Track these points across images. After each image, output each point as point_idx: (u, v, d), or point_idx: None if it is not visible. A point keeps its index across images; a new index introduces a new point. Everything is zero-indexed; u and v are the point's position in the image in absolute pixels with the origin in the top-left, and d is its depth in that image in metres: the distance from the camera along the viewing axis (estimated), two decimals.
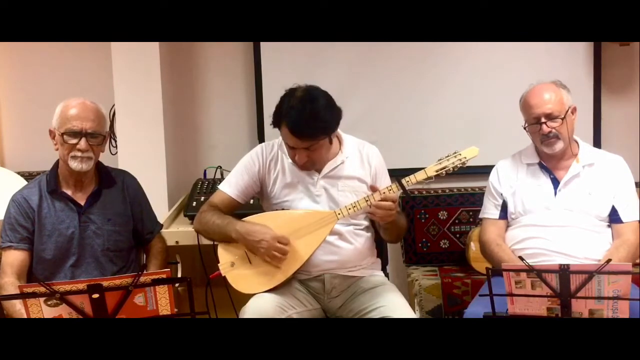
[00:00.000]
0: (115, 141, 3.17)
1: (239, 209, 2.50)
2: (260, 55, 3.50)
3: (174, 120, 3.41)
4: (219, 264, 2.37)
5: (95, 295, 1.84)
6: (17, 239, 2.40)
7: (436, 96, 3.52)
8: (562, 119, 2.42)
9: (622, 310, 1.93)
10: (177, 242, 2.84)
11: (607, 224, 2.47)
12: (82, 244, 2.42)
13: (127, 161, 3.08)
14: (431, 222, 3.38)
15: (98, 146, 2.40)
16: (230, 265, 2.36)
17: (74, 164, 2.36)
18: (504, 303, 2.00)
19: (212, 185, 3.16)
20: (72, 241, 2.41)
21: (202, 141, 3.63)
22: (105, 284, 1.86)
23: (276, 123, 2.32)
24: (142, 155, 3.17)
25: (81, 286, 1.85)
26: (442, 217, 3.38)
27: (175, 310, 1.96)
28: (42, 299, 1.85)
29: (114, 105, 3.16)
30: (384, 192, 2.27)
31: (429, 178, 2.30)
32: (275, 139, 2.51)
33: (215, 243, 2.46)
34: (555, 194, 2.49)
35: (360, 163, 2.47)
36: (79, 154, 2.35)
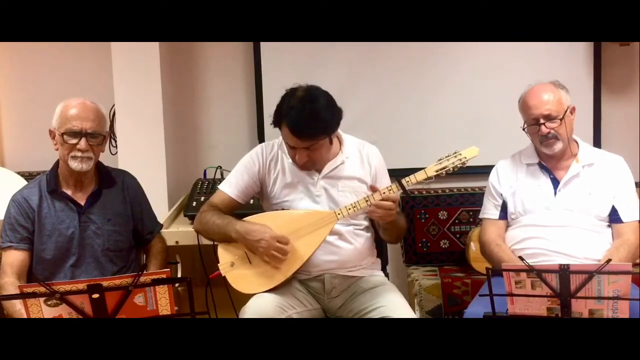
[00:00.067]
0: (115, 141, 3.17)
1: (239, 209, 2.50)
2: (260, 55, 3.50)
3: (174, 120, 3.41)
4: (219, 264, 2.37)
5: (95, 295, 1.85)
6: (17, 239, 2.40)
7: (436, 96, 3.52)
8: (561, 119, 2.42)
9: (622, 310, 1.93)
10: (177, 242, 2.84)
11: (607, 224, 2.47)
12: (82, 244, 2.42)
13: (127, 161, 3.08)
14: (431, 222, 3.38)
15: (98, 146, 2.40)
16: (230, 265, 2.36)
17: (74, 164, 2.36)
18: (504, 303, 2.00)
19: (212, 185, 3.16)
20: (72, 241, 2.41)
21: (202, 141, 3.63)
22: (105, 284, 1.86)
23: (277, 123, 2.32)
24: (142, 155, 3.17)
25: (81, 286, 1.85)
26: (442, 217, 3.38)
27: (176, 308, 1.96)
28: (42, 299, 1.85)
29: (114, 105, 3.16)
30: (384, 193, 2.27)
31: (429, 178, 2.30)
32: (275, 139, 2.51)
33: (215, 243, 2.46)
34: (555, 194, 2.49)
35: (360, 163, 2.47)
36: (79, 154, 2.35)
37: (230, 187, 2.46)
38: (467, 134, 3.41)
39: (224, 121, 3.61)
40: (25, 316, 1.89)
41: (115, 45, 3.15)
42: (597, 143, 3.44)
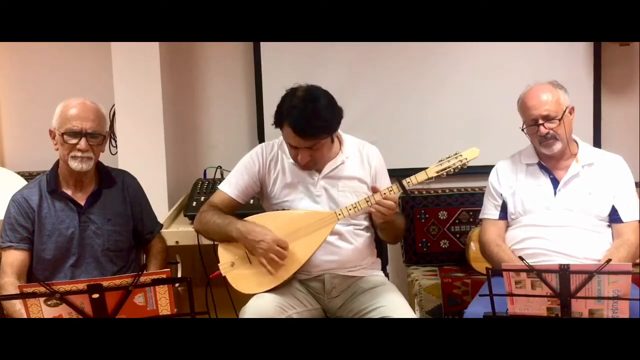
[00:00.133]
0: (115, 141, 3.17)
1: (239, 209, 2.50)
2: (260, 55, 3.50)
3: (174, 120, 3.41)
4: (219, 264, 2.37)
5: (95, 295, 1.85)
6: (17, 239, 2.40)
7: (436, 96, 3.52)
8: (560, 119, 2.42)
9: (622, 310, 1.93)
10: (177, 242, 2.84)
11: (607, 223, 2.47)
12: (82, 244, 2.42)
13: (127, 161, 3.08)
14: (431, 222, 3.38)
15: (98, 146, 2.40)
16: (231, 265, 2.36)
17: (74, 164, 2.36)
18: (504, 303, 2.00)
19: (212, 185, 3.16)
20: (72, 241, 2.41)
21: (202, 141, 3.63)
22: (105, 284, 1.86)
23: (278, 123, 2.32)
24: (142, 155, 3.17)
25: (81, 286, 1.85)
26: (442, 217, 3.38)
27: (175, 310, 1.96)
28: (42, 299, 1.85)
29: (114, 105, 3.16)
30: (384, 193, 2.27)
31: (429, 179, 2.30)
32: (275, 139, 2.51)
33: (215, 243, 2.46)
34: (555, 194, 2.49)
35: (360, 163, 2.47)
36: (79, 154, 2.35)
37: (230, 187, 2.46)
38: (467, 134, 3.41)
39: (224, 121, 3.61)
40: (25, 316, 1.89)
41: (115, 45, 3.15)
42: (597, 143, 3.44)
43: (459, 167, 2.30)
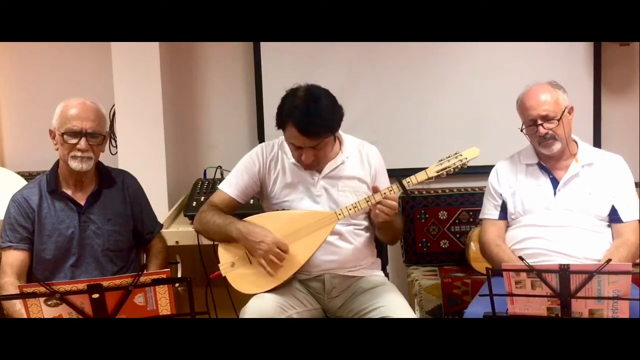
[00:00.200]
0: (115, 141, 3.17)
1: (239, 209, 2.50)
2: (260, 55, 3.50)
3: (174, 120, 3.41)
4: (219, 264, 2.37)
5: (95, 295, 1.85)
6: (17, 239, 2.40)
7: (436, 96, 3.52)
8: (559, 119, 2.42)
9: (622, 310, 1.93)
10: (177, 242, 2.84)
11: (607, 223, 2.47)
12: (82, 244, 2.42)
13: (127, 161, 3.08)
14: (431, 222, 3.38)
15: (98, 146, 2.40)
16: (231, 265, 2.36)
17: (74, 164, 2.36)
18: (504, 303, 2.00)
19: (212, 185, 3.16)
20: (72, 241, 2.41)
21: (202, 141, 3.63)
22: (105, 284, 1.86)
23: (280, 124, 2.32)
24: (142, 155, 3.17)
25: (81, 286, 1.85)
26: (442, 217, 3.38)
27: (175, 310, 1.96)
28: (42, 299, 1.85)
29: (114, 105, 3.16)
30: (384, 193, 2.27)
31: (429, 179, 2.30)
32: (275, 139, 2.51)
33: (215, 243, 2.46)
34: (555, 194, 2.49)
35: (360, 163, 2.47)
36: (79, 153, 2.35)
37: (230, 187, 2.46)
38: (467, 134, 3.41)
39: (224, 121, 3.61)
40: (25, 316, 1.89)
41: (115, 45, 3.15)
42: (597, 143, 3.44)
43: (459, 166, 2.30)
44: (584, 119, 3.38)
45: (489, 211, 2.59)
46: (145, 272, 1.89)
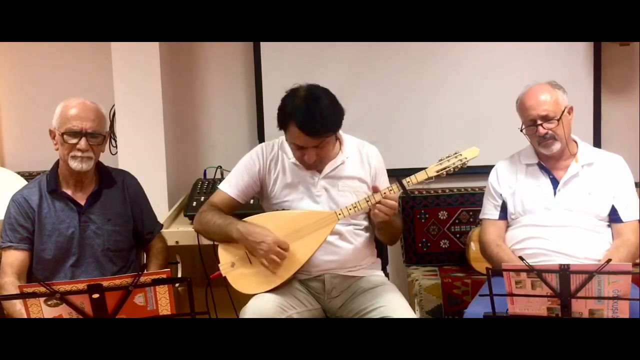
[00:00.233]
0: (115, 141, 3.17)
1: (239, 209, 2.50)
2: (260, 55, 3.50)
3: (174, 120, 3.41)
4: (219, 264, 2.37)
5: (96, 295, 1.84)
6: (17, 239, 2.40)
7: (436, 96, 3.52)
8: (558, 119, 2.42)
9: (622, 310, 1.93)
10: (177, 242, 2.84)
11: (607, 223, 2.47)
12: (82, 244, 2.42)
13: (127, 161, 3.08)
14: (431, 222, 3.38)
15: (98, 146, 2.40)
16: (231, 265, 2.36)
17: (74, 164, 2.36)
18: (504, 303, 2.00)
19: (212, 185, 3.16)
20: (72, 241, 2.41)
21: (202, 141, 3.63)
22: (105, 284, 1.86)
23: (282, 124, 2.32)
24: (142, 155, 3.17)
25: (81, 286, 1.85)
26: (442, 217, 3.38)
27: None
28: (42, 299, 1.85)
29: (114, 105, 3.16)
30: (384, 193, 2.27)
31: (429, 178, 2.30)
32: (275, 139, 2.51)
33: (215, 243, 2.46)
34: (555, 194, 2.49)
35: (360, 163, 2.47)
36: (79, 153, 2.35)
37: (230, 187, 2.46)
38: (467, 134, 3.41)
39: (224, 121, 3.61)
40: (25, 316, 1.89)
41: (115, 45, 3.14)
42: (597, 143, 3.44)
43: (459, 166, 2.30)
44: (584, 119, 3.38)
45: (489, 211, 2.59)
46: (145, 272, 1.89)
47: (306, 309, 2.40)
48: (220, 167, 3.35)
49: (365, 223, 2.48)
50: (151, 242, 2.59)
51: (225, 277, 2.36)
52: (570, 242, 2.40)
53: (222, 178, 3.13)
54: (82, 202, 2.44)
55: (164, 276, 1.91)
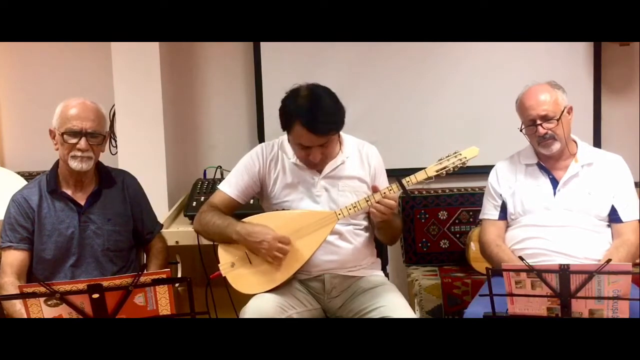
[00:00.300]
0: (115, 141, 3.17)
1: (239, 209, 2.50)
2: (260, 55, 3.50)
3: (174, 120, 3.41)
4: (219, 264, 2.37)
5: (95, 295, 1.84)
6: (17, 239, 2.40)
7: (436, 96, 3.52)
8: (558, 119, 2.42)
9: (622, 310, 1.93)
10: (177, 242, 2.84)
11: (607, 223, 2.47)
12: (82, 244, 2.42)
13: (127, 161, 3.08)
14: (431, 222, 3.38)
15: (98, 146, 2.40)
16: (231, 265, 2.36)
17: (74, 164, 2.36)
18: (504, 303, 2.00)
19: (212, 185, 3.16)
20: (72, 241, 2.41)
21: (202, 141, 3.63)
22: (105, 284, 1.86)
23: (286, 125, 2.31)
24: (142, 155, 3.17)
25: (81, 286, 1.85)
26: (442, 217, 3.38)
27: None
28: (42, 299, 1.85)
29: (114, 105, 3.16)
30: (384, 193, 2.27)
31: (429, 178, 2.30)
32: (275, 139, 2.51)
33: (215, 243, 2.46)
34: (555, 194, 2.49)
35: (360, 163, 2.47)
36: (79, 153, 2.36)
37: (230, 187, 2.46)
38: (467, 134, 3.41)
39: (224, 121, 3.61)
40: (25, 316, 1.89)
41: (115, 45, 3.14)
42: (597, 143, 3.44)
43: (459, 165, 2.30)
44: (584, 119, 3.39)
45: (489, 211, 2.59)
46: (145, 272, 1.89)
47: (306, 309, 2.40)
48: (220, 167, 3.35)
49: (365, 223, 2.48)
50: (151, 242, 2.60)
51: (225, 277, 2.36)
52: (570, 242, 2.40)
53: (222, 178, 3.13)
54: (82, 202, 2.44)
55: (164, 276, 1.91)
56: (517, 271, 1.97)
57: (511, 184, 2.55)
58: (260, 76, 3.51)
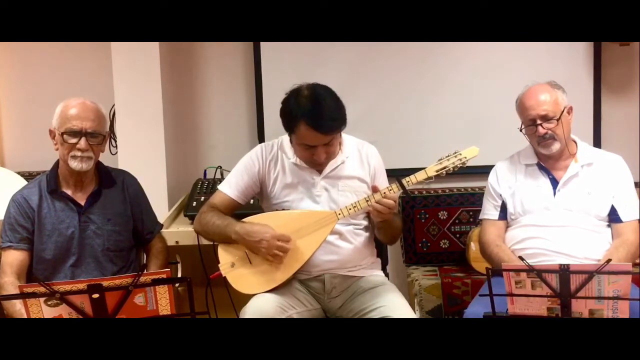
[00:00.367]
0: (115, 141, 3.17)
1: (239, 210, 2.50)
2: (260, 55, 3.50)
3: (174, 120, 3.41)
4: (219, 264, 2.37)
5: (95, 295, 1.84)
6: (17, 239, 2.40)
7: (436, 96, 3.52)
8: (558, 119, 2.42)
9: (622, 310, 1.93)
10: (177, 242, 2.84)
11: (607, 223, 2.47)
12: (82, 243, 2.42)
13: (127, 161, 3.08)
14: (431, 222, 3.38)
15: (98, 146, 2.40)
16: (231, 265, 2.36)
17: (74, 164, 2.36)
18: (504, 303, 2.00)
19: (212, 185, 3.16)
20: (72, 241, 2.41)
21: (202, 141, 3.63)
22: (105, 284, 1.86)
23: (290, 126, 2.31)
24: (142, 155, 3.17)
25: (81, 286, 1.85)
26: (442, 217, 3.38)
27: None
28: (42, 299, 1.85)
29: (114, 105, 3.16)
30: (384, 193, 2.27)
31: (429, 178, 2.30)
32: (274, 139, 2.51)
33: (215, 243, 2.46)
34: (554, 194, 2.49)
35: (360, 163, 2.47)
36: (79, 153, 2.36)
37: (230, 188, 2.46)
38: (467, 134, 3.41)
39: (224, 121, 3.61)
40: (25, 316, 1.89)
41: (115, 45, 3.14)
42: (597, 143, 3.44)
43: (459, 165, 2.30)
44: (584, 119, 3.38)
45: (489, 211, 2.59)
46: (145, 272, 1.89)
47: (306, 309, 2.40)
48: (220, 167, 3.35)
49: (365, 223, 2.48)
50: (151, 242, 2.60)
51: (225, 277, 2.36)
52: (570, 242, 2.40)
53: (222, 178, 3.13)
54: (82, 202, 2.44)
55: (164, 276, 1.91)
56: (517, 271, 1.97)
57: (511, 184, 2.55)
58: (260, 76, 3.51)
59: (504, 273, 1.98)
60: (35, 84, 3.57)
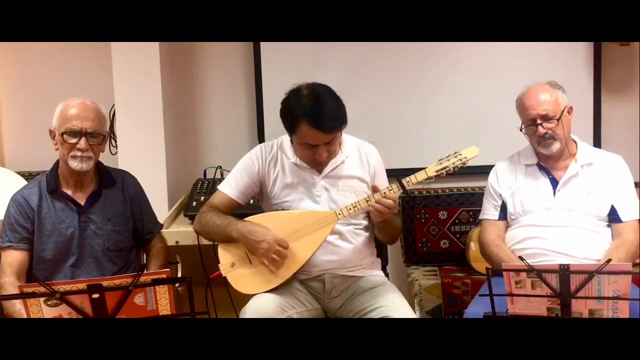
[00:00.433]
0: (115, 141, 3.17)
1: (239, 210, 2.50)
2: (260, 55, 3.50)
3: (174, 120, 3.41)
4: (219, 264, 2.37)
5: (95, 295, 1.84)
6: (17, 239, 2.40)
7: (436, 96, 3.52)
8: (558, 119, 2.42)
9: (622, 310, 1.93)
10: (177, 242, 2.84)
11: (607, 223, 2.47)
12: (82, 243, 2.42)
13: (127, 161, 3.08)
14: (431, 222, 3.38)
15: (98, 146, 2.41)
16: (231, 265, 2.36)
17: (74, 164, 2.36)
18: (504, 303, 2.00)
19: (212, 185, 3.16)
20: (72, 241, 2.41)
21: (202, 141, 3.63)
22: (105, 284, 1.86)
23: (291, 126, 2.31)
24: (142, 155, 3.17)
25: (81, 286, 1.85)
26: (442, 217, 3.38)
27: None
28: (42, 299, 1.85)
29: (114, 105, 3.16)
30: (384, 193, 2.27)
31: (429, 178, 2.30)
32: (274, 139, 2.51)
33: (215, 243, 2.46)
34: (554, 194, 2.49)
35: (359, 162, 2.47)
36: (79, 153, 2.36)
37: (230, 188, 2.46)
38: (467, 134, 3.41)
39: (224, 121, 3.61)
40: (25, 316, 1.89)
41: (115, 45, 3.14)
42: (597, 143, 3.44)
43: (459, 165, 2.30)
44: (584, 119, 3.39)
45: (489, 211, 2.59)
46: (145, 272, 1.89)
47: (306, 309, 2.40)
48: (220, 167, 3.35)
49: (365, 223, 2.48)
50: (151, 242, 2.60)
51: (225, 277, 2.36)
52: (570, 242, 2.40)
53: (222, 178, 3.13)
54: (82, 202, 2.44)
55: (164, 276, 1.91)
56: (517, 271, 1.97)
57: (511, 184, 2.55)
58: (260, 76, 3.51)
59: (504, 273, 1.98)
60: (35, 84, 3.57)
